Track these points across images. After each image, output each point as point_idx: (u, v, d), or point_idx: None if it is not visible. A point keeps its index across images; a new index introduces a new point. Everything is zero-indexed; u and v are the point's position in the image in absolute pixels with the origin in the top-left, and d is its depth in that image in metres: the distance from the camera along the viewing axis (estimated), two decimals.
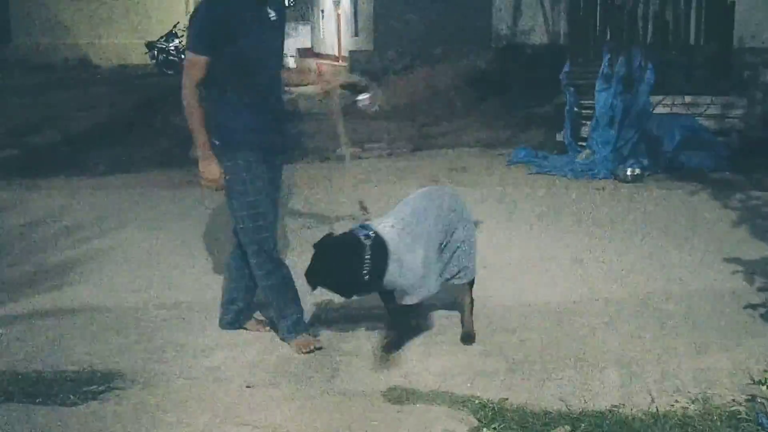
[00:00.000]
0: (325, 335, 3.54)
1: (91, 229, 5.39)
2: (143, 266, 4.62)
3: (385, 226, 3.21)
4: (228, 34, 3.18)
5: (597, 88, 7.58)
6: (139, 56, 21.35)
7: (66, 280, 4.31)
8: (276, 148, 3.45)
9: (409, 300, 3.24)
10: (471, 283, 3.52)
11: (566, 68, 8.38)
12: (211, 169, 3.29)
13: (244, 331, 3.60)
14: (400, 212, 3.33)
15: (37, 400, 3.06)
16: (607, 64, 7.58)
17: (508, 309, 3.88)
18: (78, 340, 3.56)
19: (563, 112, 8.40)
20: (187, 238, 5.10)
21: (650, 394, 2.93)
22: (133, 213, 5.87)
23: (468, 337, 3.46)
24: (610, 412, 2.80)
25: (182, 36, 18.43)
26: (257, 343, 3.48)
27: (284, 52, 3.57)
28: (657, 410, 2.78)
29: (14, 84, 14.96)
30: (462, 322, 3.53)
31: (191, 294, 4.16)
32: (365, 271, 3.07)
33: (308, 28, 27.27)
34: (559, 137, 8.51)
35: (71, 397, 3.06)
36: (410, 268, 3.15)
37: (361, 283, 3.11)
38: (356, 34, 19.53)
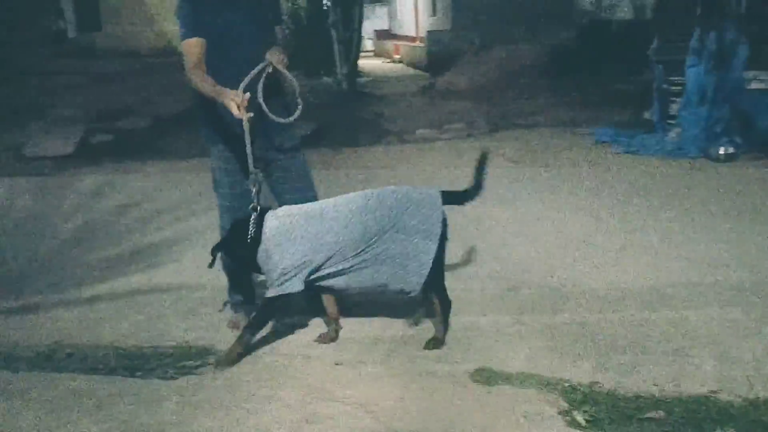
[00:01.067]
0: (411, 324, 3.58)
1: (182, 210, 5.57)
2: None
3: (277, 213, 3.25)
4: (202, 15, 3.31)
5: (687, 64, 7.31)
6: None
7: (161, 260, 4.48)
8: (268, 140, 3.40)
9: (269, 292, 3.21)
10: (442, 292, 3.30)
11: (654, 44, 8.10)
12: (228, 95, 3.12)
13: None
14: (316, 204, 3.32)
15: (138, 374, 3.22)
16: (697, 38, 7.28)
17: (596, 291, 3.81)
18: (174, 317, 3.71)
19: (650, 89, 8.15)
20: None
21: (749, 380, 2.84)
22: None
23: (436, 343, 3.28)
24: (706, 398, 2.72)
25: None
26: (344, 323, 3.54)
27: (271, 35, 3.47)
28: (757, 397, 2.69)
29: (105, 71, 15.54)
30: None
31: None
32: (242, 247, 3.23)
33: (385, 9, 27.26)
34: (646, 115, 8.27)
35: (169, 371, 3.20)
36: (274, 260, 3.16)
37: (239, 257, 3.35)
38: (434, 14, 19.40)
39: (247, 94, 3.11)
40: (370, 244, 3.15)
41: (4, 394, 3.08)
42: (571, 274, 3.60)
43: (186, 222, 5.26)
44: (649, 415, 2.62)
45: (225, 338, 3.41)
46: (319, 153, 7.64)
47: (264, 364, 3.19)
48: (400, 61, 21.24)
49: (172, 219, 5.31)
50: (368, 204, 3.19)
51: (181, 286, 4.07)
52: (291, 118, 3.35)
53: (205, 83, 3.24)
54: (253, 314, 3.34)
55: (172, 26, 23.79)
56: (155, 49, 21.90)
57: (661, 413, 2.62)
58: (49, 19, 20.26)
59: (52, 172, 7.32)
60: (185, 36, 3.36)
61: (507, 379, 2.94)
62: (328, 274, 3.20)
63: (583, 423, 2.60)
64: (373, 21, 24.76)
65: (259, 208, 3.22)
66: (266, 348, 3.34)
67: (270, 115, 3.24)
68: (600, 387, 2.84)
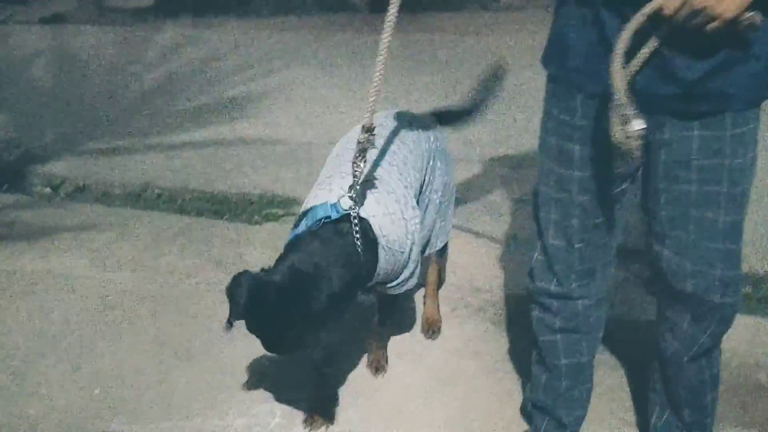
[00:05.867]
0: None
1: (262, 66, 5.55)
2: (309, 105, 4.76)
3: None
4: None
5: None
6: None
7: (244, 113, 4.52)
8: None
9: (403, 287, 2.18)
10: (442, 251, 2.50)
11: None
12: None
13: None
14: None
15: (225, 217, 3.35)
16: None
17: None
18: (258, 168, 3.79)
19: None
20: (352, 83, 5.16)
21: None
22: (299, 54, 5.97)
23: (430, 327, 2.52)
24: None
25: None
26: None
27: None
28: None
29: None
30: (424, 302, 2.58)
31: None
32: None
33: None
34: None
35: (255, 217, 3.32)
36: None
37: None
38: None
39: None
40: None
41: (101, 227, 3.25)
42: None
43: (266, 78, 5.25)
44: None
45: (305, 192, 3.46)
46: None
47: None
48: None
49: (254, 74, 5.31)
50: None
51: (265, 139, 4.12)
52: None
53: None
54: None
55: None
56: None
57: None
58: None
59: (133, 24, 7.35)
60: None
61: None
62: None
63: None
64: None
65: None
66: None
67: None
68: None
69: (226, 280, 1.91)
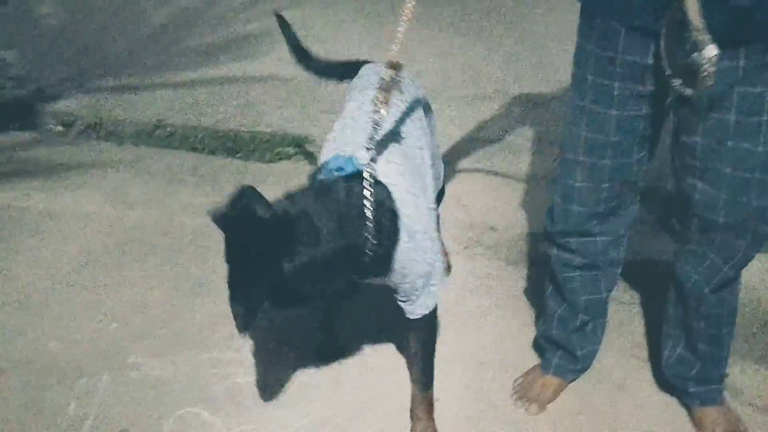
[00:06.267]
0: None
1: (271, 3, 5.44)
2: (322, 41, 4.67)
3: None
4: None
5: None
6: None
7: (254, 50, 4.45)
8: None
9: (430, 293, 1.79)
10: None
11: None
12: None
13: None
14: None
15: (238, 155, 3.34)
16: None
17: None
18: (269, 106, 3.75)
19: None
20: (368, 19, 5.06)
21: None
22: None
23: None
24: None
25: None
26: None
27: None
28: None
29: None
30: None
31: None
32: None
33: None
34: None
35: (267, 154, 3.31)
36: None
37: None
38: None
39: None
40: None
41: (114, 165, 3.25)
42: None
43: (271, 17, 5.16)
44: None
45: (320, 130, 3.45)
46: None
47: None
48: None
49: (265, 10, 5.19)
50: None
51: (275, 76, 4.07)
52: None
53: None
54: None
55: None
56: None
57: None
58: None
59: None
60: None
61: None
62: None
63: None
64: None
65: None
66: None
67: None
68: None
69: None
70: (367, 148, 1.57)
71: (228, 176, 3.11)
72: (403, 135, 1.75)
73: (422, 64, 3.97)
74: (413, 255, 1.63)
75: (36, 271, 2.56)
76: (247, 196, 1.48)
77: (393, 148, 1.69)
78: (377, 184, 1.57)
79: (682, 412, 1.98)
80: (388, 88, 1.57)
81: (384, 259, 1.61)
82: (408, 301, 1.75)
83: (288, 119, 3.58)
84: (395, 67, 1.57)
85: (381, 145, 1.64)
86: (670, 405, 2.01)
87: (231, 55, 4.39)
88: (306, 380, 2.11)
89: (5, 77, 4.12)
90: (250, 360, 2.18)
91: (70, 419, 1.98)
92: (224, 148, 3.40)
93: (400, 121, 1.78)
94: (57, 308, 2.39)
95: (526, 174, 3.04)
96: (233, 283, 1.52)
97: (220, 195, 2.95)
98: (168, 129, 3.56)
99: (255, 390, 2.07)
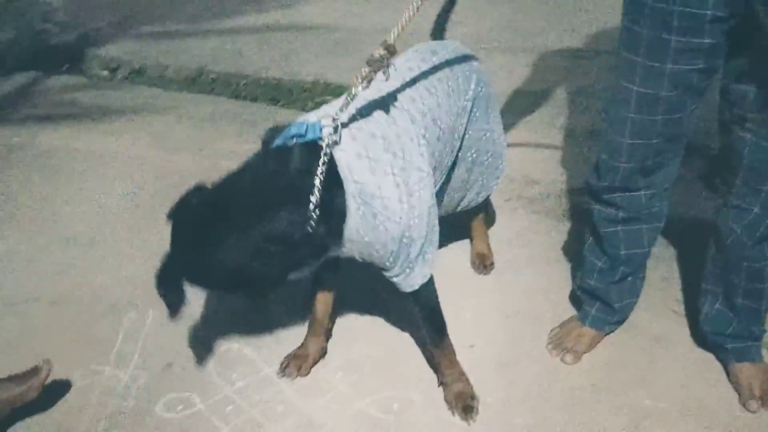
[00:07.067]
0: None
1: None
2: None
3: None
4: None
5: None
6: None
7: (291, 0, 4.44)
8: None
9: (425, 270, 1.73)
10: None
11: None
12: None
13: None
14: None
15: (279, 103, 3.36)
16: None
17: None
18: (310, 55, 3.75)
19: None
20: None
21: None
22: None
23: (482, 262, 2.33)
24: None
25: None
26: None
27: None
28: None
29: None
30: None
31: None
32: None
33: None
34: None
35: (309, 104, 3.32)
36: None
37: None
38: None
39: None
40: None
41: (158, 110, 3.30)
42: None
43: None
44: None
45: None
46: None
47: None
48: None
49: None
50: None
51: (317, 25, 4.06)
52: None
53: None
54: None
55: None
56: None
57: None
58: None
59: None
60: None
61: None
62: None
63: None
64: None
65: None
66: None
67: None
68: None
69: None
70: (333, 118, 1.50)
71: (269, 124, 3.09)
72: (374, 114, 1.63)
73: (461, 15, 3.91)
74: (372, 221, 1.54)
75: (83, 210, 2.63)
76: (192, 191, 1.58)
77: (366, 124, 1.59)
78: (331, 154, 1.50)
79: (718, 368, 1.97)
80: (374, 66, 1.49)
81: (333, 230, 1.55)
82: (393, 272, 1.66)
83: (330, 68, 3.58)
84: (389, 49, 1.50)
85: (353, 119, 1.58)
86: (707, 361, 2.00)
87: (275, 2, 4.38)
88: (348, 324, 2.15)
89: (51, 22, 4.18)
90: (292, 303, 2.22)
91: (119, 352, 2.05)
92: (267, 95, 3.43)
93: (390, 102, 1.67)
94: (103, 246, 2.46)
95: (568, 128, 3.01)
96: (161, 271, 1.59)
97: (259, 144, 3.00)
98: (211, 76, 3.59)
99: (296, 330, 2.12)
